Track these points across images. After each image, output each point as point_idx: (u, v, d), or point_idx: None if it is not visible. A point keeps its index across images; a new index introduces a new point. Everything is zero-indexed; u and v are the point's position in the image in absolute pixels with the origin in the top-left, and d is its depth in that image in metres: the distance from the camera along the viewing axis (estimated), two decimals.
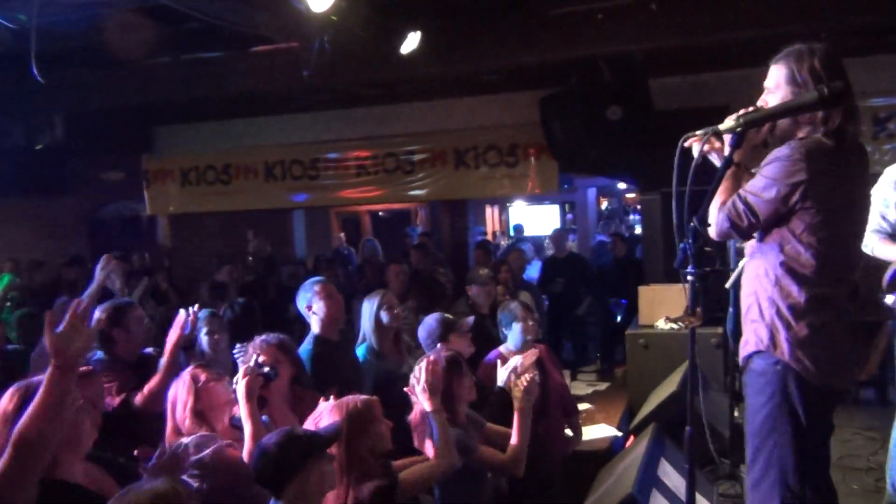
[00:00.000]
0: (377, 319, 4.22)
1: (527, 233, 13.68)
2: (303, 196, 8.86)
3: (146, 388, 3.42)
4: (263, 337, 3.46)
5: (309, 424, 2.86)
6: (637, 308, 6.09)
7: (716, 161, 2.54)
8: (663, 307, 5.61)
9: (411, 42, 5.46)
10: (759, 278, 2.48)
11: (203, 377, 3.04)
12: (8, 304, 6.84)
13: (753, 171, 2.48)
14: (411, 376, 3.13)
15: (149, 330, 3.95)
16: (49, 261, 9.00)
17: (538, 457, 3.57)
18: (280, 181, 8.82)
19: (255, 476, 2.43)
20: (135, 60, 6.05)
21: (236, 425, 3.00)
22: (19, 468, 2.07)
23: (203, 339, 4.50)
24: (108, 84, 6.77)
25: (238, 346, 3.66)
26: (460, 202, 10.60)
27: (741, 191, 2.41)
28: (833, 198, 2.37)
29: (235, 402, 2.98)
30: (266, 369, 3.10)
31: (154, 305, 6.85)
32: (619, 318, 8.76)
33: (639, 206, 11.42)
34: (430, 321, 4.10)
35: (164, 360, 3.48)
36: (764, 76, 2.51)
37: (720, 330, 5.14)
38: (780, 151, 2.37)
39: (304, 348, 3.90)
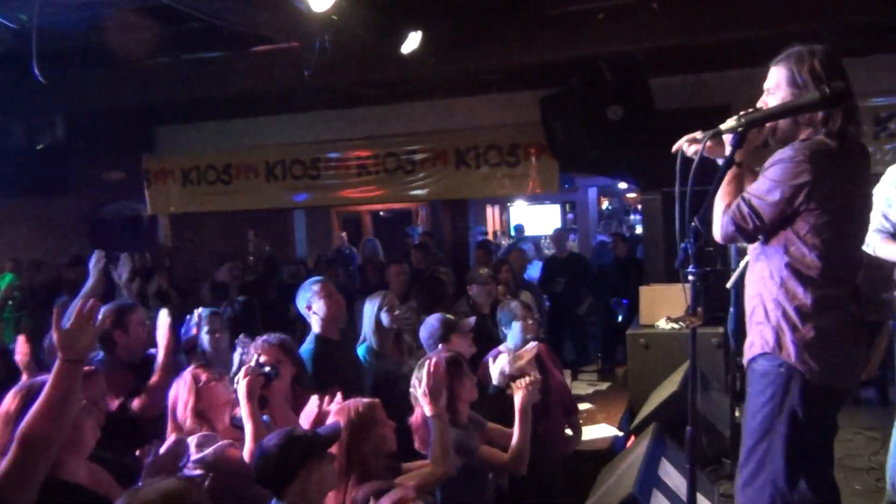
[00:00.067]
0: (378, 321, 4.23)
1: (527, 232, 13.68)
2: (303, 196, 8.83)
3: (144, 392, 3.42)
4: (265, 337, 3.47)
5: (302, 420, 2.87)
6: (638, 308, 6.10)
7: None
8: (664, 307, 5.60)
9: (412, 42, 5.45)
10: (763, 280, 2.47)
11: (204, 377, 3.04)
12: (10, 303, 6.85)
13: (757, 169, 2.48)
14: (413, 378, 3.13)
15: (150, 331, 3.95)
16: (49, 261, 8.97)
17: (539, 456, 3.56)
18: (281, 181, 8.79)
19: (255, 476, 2.43)
20: (135, 60, 6.04)
21: (237, 425, 3.00)
22: (24, 467, 2.07)
23: (204, 337, 4.50)
24: (108, 84, 6.76)
25: (241, 336, 3.66)
26: (461, 202, 10.59)
27: (745, 194, 2.41)
28: (836, 198, 2.36)
29: (236, 401, 2.98)
30: (267, 369, 3.11)
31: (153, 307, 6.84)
32: (619, 318, 8.75)
33: (639, 206, 11.40)
34: (431, 322, 4.10)
35: (158, 363, 3.48)
36: (764, 76, 2.50)
37: (721, 330, 5.14)
38: (783, 153, 2.36)
39: (305, 348, 3.90)
